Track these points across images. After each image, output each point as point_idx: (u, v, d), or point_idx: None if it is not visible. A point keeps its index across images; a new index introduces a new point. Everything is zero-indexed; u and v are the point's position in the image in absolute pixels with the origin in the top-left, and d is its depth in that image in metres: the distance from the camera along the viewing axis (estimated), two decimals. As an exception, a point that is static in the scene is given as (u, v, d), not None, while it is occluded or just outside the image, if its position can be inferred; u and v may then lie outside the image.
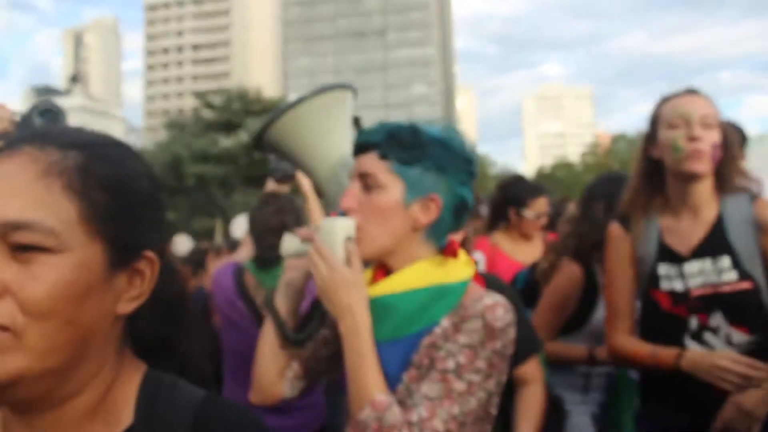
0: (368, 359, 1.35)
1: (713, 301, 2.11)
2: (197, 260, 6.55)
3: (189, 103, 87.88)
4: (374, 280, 1.49)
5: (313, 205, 3.24)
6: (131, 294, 0.84)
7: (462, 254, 1.49)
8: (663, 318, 2.17)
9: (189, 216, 41.43)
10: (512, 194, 3.68)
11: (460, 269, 1.46)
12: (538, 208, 3.62)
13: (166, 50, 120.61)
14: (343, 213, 1.45)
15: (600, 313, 2.70)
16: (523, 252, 3.58)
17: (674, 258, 2.16)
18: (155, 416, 0.84)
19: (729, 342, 2.09)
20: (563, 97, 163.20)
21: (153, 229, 0.88)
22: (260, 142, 1.64)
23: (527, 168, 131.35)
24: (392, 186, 1.42)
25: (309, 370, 1.59)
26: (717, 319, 2.11)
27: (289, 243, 1.56)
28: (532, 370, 2.35)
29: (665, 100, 2.22)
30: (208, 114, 46.80)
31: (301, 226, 2.53)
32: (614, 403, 2.82)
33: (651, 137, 2.22)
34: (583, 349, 2.76)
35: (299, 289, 1.58)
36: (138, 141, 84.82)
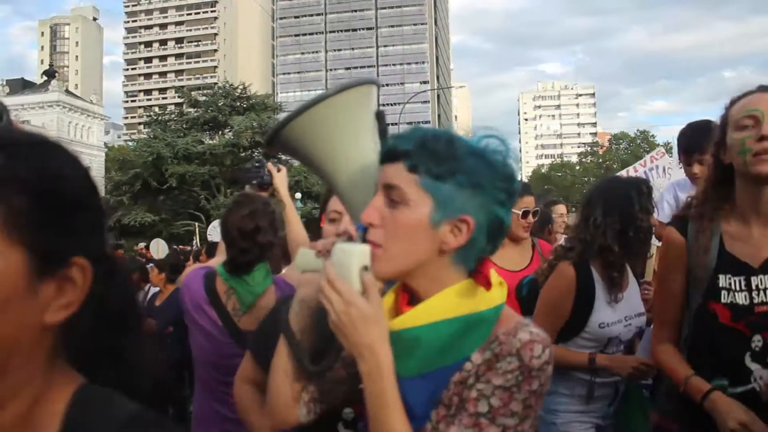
0: (392, 402, 1.25)
1: None
2: (174, 264, 6.62)
3: (172, 100, 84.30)
4: (397, 305, 1.38)
5: (291, 212, 3.21)
6: (60, 303, 0.81)
7: (494, 275, 1.35)
8: (721, 333, 2.07)
9: (172, 218, 40.37)
10: None
11: (492, 293, 1.33)
12: (525, 206, 3.56)
13: (148, 44, 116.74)
14: (364, 228, 1.33)
15: (600, 317, 2.79)
16: (510, 258, 3.49)
17: (740, 269, 2.06)
18: None
19: None
20: (561, 96, 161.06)
21: (85, 233, 0.84)
22: (275, 141, 1.50)
23: (525, 169, 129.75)
24: (420, 203, 1.27)
25: (327, 394, 1.48)
26: None
27: (305, 257, 1.47)
28: None
29: (735, 101, 2.14)
30: (191, 111, 44.75)
31: (276, 230, 2.85)
32: (624, 415, 2.89)
33: (721, 141, 2.15)
34: (584, 354, 2.81)
35: (315, 307, 1.45)
36: (119, 139, 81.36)
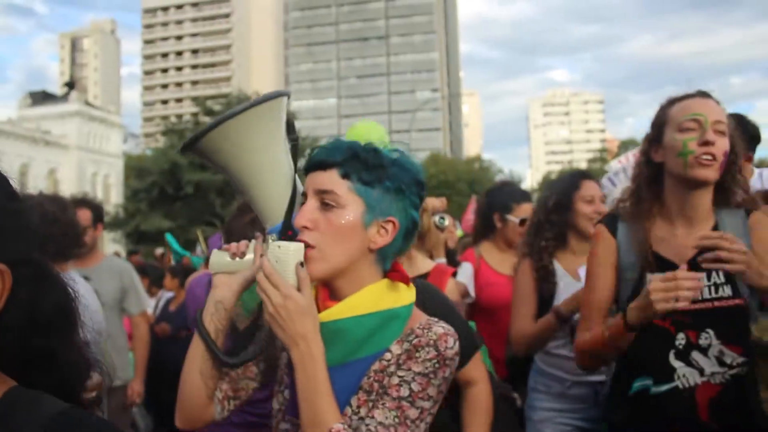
0: (324, 386, 1.34)
1: (705, 317, 2.03)
2: (188, 269, 6.66)
3: (188, 109, 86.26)
4: (320, 301, 1.47)
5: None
6: None
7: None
8: (647, 331, 1.99)
9: (188, 224, 40.83)
10: (497, 200, 3.65)
11: (406, 293, 1.48)
12: (524, 213, 3.50)
13: (164, 55, 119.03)
14: (293, 231, 1.44)
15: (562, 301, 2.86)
16: (510, 263, 3.37)
17: (666, 268, 2.00)
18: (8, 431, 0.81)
19: (721, 362, 2.03)
20: (570, 103, 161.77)
21: (3, 239, 0.85)
22: (189, 149, 1.56)
23: (534, 176, 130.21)
24: (353, 206, 1.41)
25: (239, 390, 1.57)
26: (708, 338, 2.04)
27: (218, 258, 1.52)
28: (475, 370, 2.30)
29: (673, 102, 2.14)
30: (207, 120, 45.93)
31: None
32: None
33: (655, 139, 2.16)
34: (549, 316, 2.84)
35: (229, 308, 1.53)
36: (137, 147, 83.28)
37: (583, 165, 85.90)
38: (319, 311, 1.41)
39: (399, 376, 1.36)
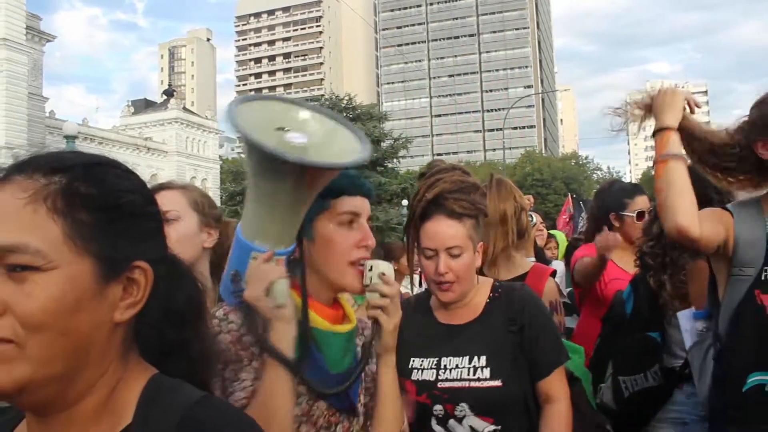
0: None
1: None
2: None
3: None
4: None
5: None
6: (127, 302, 0.90)
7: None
8: (763, 325, 1.96)
9: None
10: (609, 199, 3.62)
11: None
12: (638, 208, 3.48)
13: (257, 60, 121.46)
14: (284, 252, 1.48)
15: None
16: (629, 260, 3.24)
17: None
18: (151, 417, 0.88)
19: None
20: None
21: (144, 240, 0.93)
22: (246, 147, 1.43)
23: (634, 171, 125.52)
24: None
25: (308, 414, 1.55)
26: None
27: (283, 288, 1.43)
28: (555, 385, 2.09)
29: None
30: None
31: None
32: None
33: (763, 134, 2.06)
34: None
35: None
36: (233, 151, 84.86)
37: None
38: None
39: None
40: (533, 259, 3.32)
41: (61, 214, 0.85)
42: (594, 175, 72.11)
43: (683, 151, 2.09)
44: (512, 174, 54.91)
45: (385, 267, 1.56)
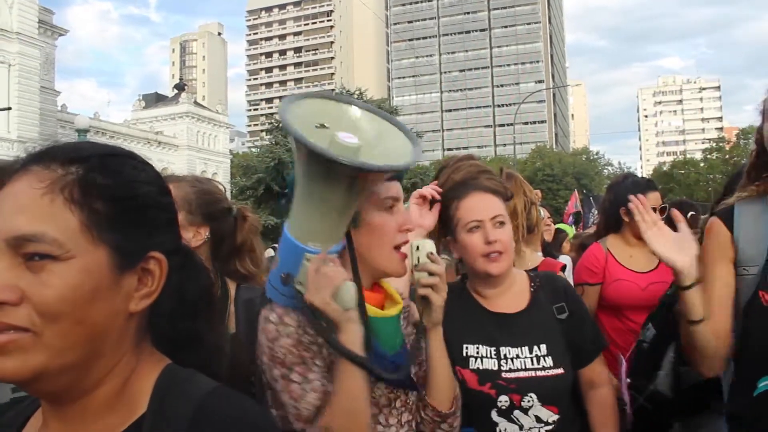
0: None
1: None
2: None
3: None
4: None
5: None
6: (142, 292, 0.91)
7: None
8: None
9: None
10: (620, 193, 3.46)
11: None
12: (651, 203, 3.13)
13: (268, 54, 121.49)
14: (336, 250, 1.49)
15: None
16: (638, 259, 3.33)
17: None
18: (165, 407, 0.89)
19: None
20: (684, 91, 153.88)
21: (159, 231, 0.94)
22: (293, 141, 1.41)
23: (645, 167, 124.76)
24: None
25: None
26: None
27: (350, 293, 1.41)
28: (598, 371, 2.16)
29: None
30: None
31: None
32: None
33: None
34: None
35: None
36: (244, 146, 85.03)
37: (697, 155, 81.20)
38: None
39: None
40: (541, 254, 3.33)
41: (78, 204, 0.86)
42: (605, 170, 71.84)
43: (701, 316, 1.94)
44: (522, 169, 54.68)
45: (431, 245, 1.58)
